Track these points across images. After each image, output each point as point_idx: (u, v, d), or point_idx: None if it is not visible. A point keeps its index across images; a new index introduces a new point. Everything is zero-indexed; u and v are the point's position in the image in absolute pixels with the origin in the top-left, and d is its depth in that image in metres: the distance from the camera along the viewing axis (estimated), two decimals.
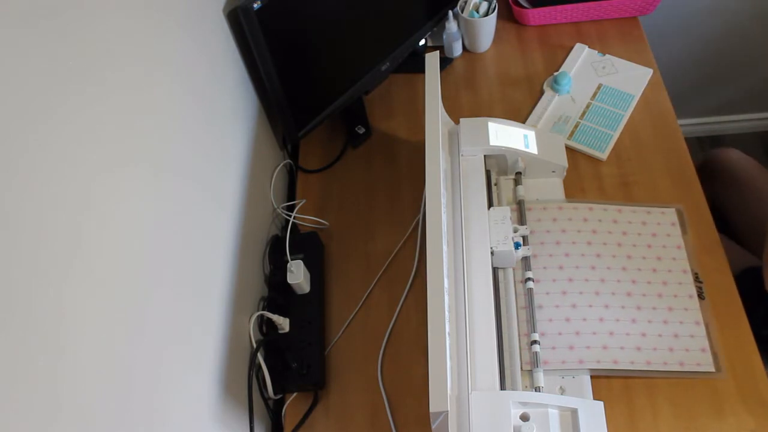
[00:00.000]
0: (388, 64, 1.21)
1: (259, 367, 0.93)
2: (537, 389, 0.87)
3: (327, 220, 1.13)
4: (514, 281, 0.97)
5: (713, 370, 0.89)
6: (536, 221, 1.03)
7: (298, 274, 0.99)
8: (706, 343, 0.91)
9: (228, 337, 0.87)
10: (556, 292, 0.96)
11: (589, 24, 1.32)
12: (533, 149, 1.05)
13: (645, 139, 1.14)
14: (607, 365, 0.90)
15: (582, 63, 1.26)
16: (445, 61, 1.31)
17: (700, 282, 0.97)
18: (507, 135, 1.05)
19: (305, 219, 1.13)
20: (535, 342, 0.91)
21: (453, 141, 1.06)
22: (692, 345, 0.91)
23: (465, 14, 1.25)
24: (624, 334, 0.92)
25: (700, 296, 0.95)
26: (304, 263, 1.01)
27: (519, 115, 1.21)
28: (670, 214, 1.04)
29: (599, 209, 1.05)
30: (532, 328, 0.92)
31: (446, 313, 0.74)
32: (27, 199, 0.49)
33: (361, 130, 1.22)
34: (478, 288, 0.90)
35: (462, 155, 1.03)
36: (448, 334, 0.76)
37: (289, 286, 1.00)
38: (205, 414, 0.77)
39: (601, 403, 0.81)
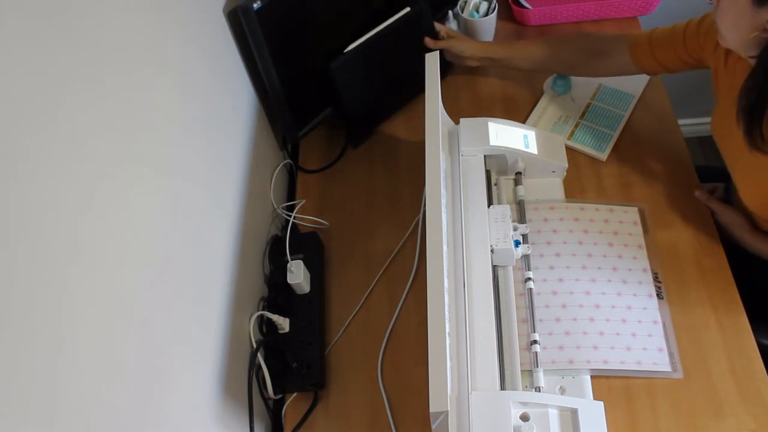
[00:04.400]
0: None
1: (259, 367, 0.93)
2: (537, 389, 0.87)
3: (327, 220, 1.13)
4: (514, 281, 0.97)
5: (669, 369, 0.89)
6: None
7: (298, 274, 0.99)
8: (663, 343, 0.91)
9: (228, 337, 0.87)
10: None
11: (589, 24, 1.32)
12: (533, 149, 1.05)
13: (645, 139, 1.14)
14: (562, 365, 0.89)
15: None
16: (446, 62, 1.31)
17: (660, 282, 0.97)
18: (507, 135, 1.05)
19: (305, 219, 1.13)
20: (534, 342, 0.91)
21: (453, 141, 1.06)
22: (650, 344, 0.91)
23: (465, 14, 1.25)
24: (581, 333, 0.92)
25: (659, 296, 0.95)
26: (304, 263, 1.01)
27: (519, 115, 1.21)
28: (632, 213, 1.04)
29: (560, 207, 1.04)
30: (532, 328, 0.92)
31: (446, 313, 0.74)
32: (28, 199, 0.49)
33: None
34: (478, 288, 0.90)
35: (462, 155, 1.03)
36: (448, 334, 0.76)
37: (289, 286, 1.00)
38: (205, 414, 0.77)
39: (601, 403, 0.81)
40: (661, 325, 0.93)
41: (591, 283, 0.96)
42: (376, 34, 1.11)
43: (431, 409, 0.67)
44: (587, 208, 1.04)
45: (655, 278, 0.97)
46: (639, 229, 1.02)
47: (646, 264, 0.98)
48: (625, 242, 1.00)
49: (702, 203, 1.04)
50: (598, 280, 0.97)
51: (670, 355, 0.90)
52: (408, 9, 1.15)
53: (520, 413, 0.80)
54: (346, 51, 1.09)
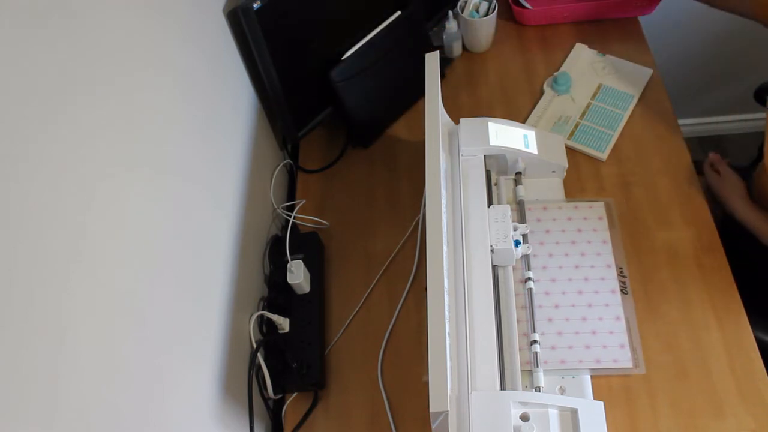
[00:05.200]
0: None
1: (259, 367, 0.93)
2: (537, 389, 0.87)
3: (327, 220, 1.13)
4: (514, 281, 0.97)
5: (630, 366, 0.89)
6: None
7: (298, 274, 0.99)
8: (625, 339, 0.91)
9: (228, 337, 0.87)
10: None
11: (589, 24, 1.32)
12: (533, 149, 1.05)
13: (645, 139, 1.14)
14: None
15: (582, 63, 1.26)
16: (445, 61, 1.31)
17: (625, 277, 0.97)
18: (507, 135, 1.05)
19: (305, 219, 1.13)
20: (534, 342, 0.91)
21: (453, 141, 1.06)
22: (610, 341, 0.91)
23: (465, 14, 1.25)
24: (539, 334, 0.92)
25: (623, 291, 0.95)
26: (304, 263, 1.01)
27: (519, 115, 1.21)
28: (597, 209, 1.04)
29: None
30: (532, 328, 0.92)
31: (446, 313, 0.74)
32: (28, 199, 0.49)
33: None
34: (478, 288, 0.90)
35: (462, 155, 1.03)
36: (448, 334, 0.76)
37: (289, 286, 1.00)
38: (205, 414, 0.77)
39: (601, 403, 0.81)
40: (623, 321, 0.93)
41: (551, 283, 0.97)
42: (371, 39, 1.11)
43: (431, 409, 0.67)
44: (550, 208, 1.04)
45: (620, 273, 0.97)
46: (604, 224, 1.02)
47: (611, 260, 0.98)
48: (588, 239, 1.00)
49: (712, 165, 1.05)
50: (558, 280, 0.97)
51: (633, 350, 0.90)
52: (399, 13, 1.15)
53: (520, 413, 0.80)
54: (344, 58, 1.09)
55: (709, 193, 1.06)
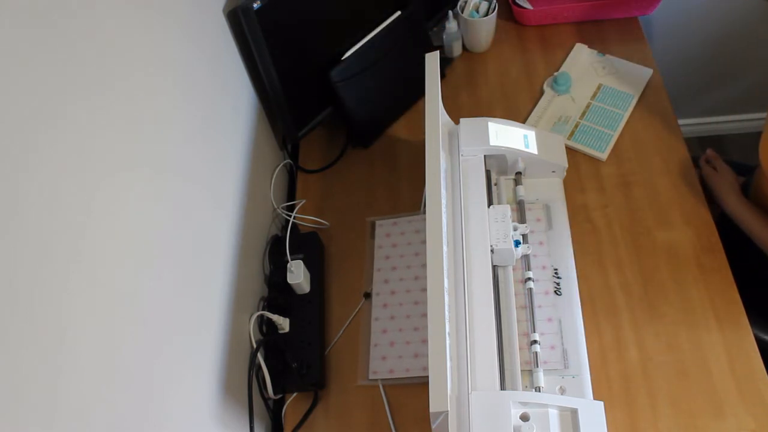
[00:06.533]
0: None
1: (259, 367, 0.93)
2: (537, 389, 0.87)
3: (327, 220, 1.13)
4: (514, 281, 0.97)
5: (560, 367, 0.89)
6: (385, 236, 1.07)
7: (298, 274, 0.99)
8: (555, 340, 0.91)
9: (228, 337, 0.87)
10: (394, 304, 1.00)
11: (589, 24, 1.32)
12: (533, 149, 1.05)
13: (645, 139, 1.14)
14: None
15: (582, 63, 1.26)
16: (445, 61, 1.31)
17: (559, 278, 0.96)
18: (507, 135, 1.05)
19: (305, 219, 1.13)
20: (534, 342, 0.91)
21: (453, 141, 1.06)
22: (541, 342, 0.91)
23: (465, 14, 1.25)
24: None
25: (557, 292, 0.95)
26: (304, 263, 1.01)
27: (519, 115, 1.21)
28: (535, 211, 1.04)
29: None
30: (532, 328, 0.92)
31: (446, 313, 0.74)
32: (28, 199, 0.49)
33: None
34: (478, 288, 0.90)
35: (462, 155, 1.03)
36: (448, 334, 0.76)
37: (289, 286, 1.00)
38: (205, 414, 0.77)
39: (601, 403, 0.81)
40: (555, 322, 0.93)
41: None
42: (371, 39, 1.12)
43: (431, 409, 0.67)
44: None
45: (555, 274, 0.97)
46: (542, 225, 1.02)
47: (546, 261, 0.98)
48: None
49: (708, 161, 1.06)
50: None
51: (563, 352, 0.90)
52: (399, 13, 1.15)
53: (520, 413, 0.80)
54: (344, 58, 1.09)
55: (703, 186, 1.06)
